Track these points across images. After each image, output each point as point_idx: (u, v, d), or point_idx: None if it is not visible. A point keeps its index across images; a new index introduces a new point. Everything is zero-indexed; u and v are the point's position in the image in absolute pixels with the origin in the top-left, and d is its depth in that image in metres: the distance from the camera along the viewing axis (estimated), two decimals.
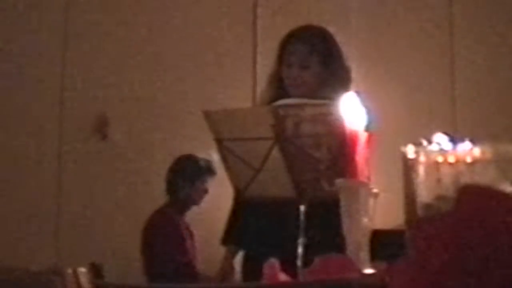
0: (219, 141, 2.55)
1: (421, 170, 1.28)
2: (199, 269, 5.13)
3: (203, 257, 5.13)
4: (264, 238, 3.05)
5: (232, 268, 3.57)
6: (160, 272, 5.03)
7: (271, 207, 2.88)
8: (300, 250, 2.35)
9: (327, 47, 3.13)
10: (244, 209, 3.18)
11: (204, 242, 5.07)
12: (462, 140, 1.28)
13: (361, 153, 1.79)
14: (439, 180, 1.27)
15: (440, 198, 1.26)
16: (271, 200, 2.70)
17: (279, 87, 3.14)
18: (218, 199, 4.43)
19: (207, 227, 4.79)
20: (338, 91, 2.55)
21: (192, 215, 5.34)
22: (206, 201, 5.30)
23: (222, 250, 3.53)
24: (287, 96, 3.08)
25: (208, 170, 5.18)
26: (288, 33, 3.19)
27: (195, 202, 5.29)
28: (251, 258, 3.13)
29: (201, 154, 5.14)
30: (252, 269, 2.77)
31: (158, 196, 5.42)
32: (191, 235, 5.26)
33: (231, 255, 3.50)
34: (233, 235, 3.35)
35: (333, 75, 3.07)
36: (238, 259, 3.41)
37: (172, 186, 5.31)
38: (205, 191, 5.24)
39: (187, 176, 5.25)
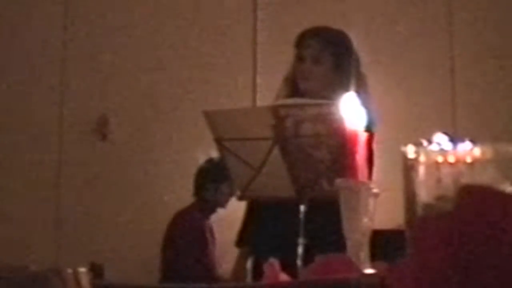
0: (219, 141, 2.55)
1: (421, 170, 1.28)
2: (219, 271, 5.13)
3: (223, 259, 5.09)
4: (266, 238, 3.04)
5: (245, 269, 3.54)
6: (179, 272, 5.03)
7: (271, 207, 2.88)
8: (300, 250, 2.35)
9: (342, 48, 3.09)
10: (251, 210, 3.18)
11: (224, 244, 5.02)
12: (462, 140, 1.28)
13: (361, 153, 1.79)
14: (439, 180, 1.27)
15: (440, 198, 1.26)
16: (271, 200, 2.70)
17: (293, 86, 3.11)
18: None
19: (228, 228, 4.75)
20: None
21: (213, 216, 5.33)
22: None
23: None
24: (300, 95, 3.05)
25: None
26: (304, 30, 3.16)
27: (221, 204, 5.26)
28: (257, 259, 3.13)
29: (201, 154, 5.13)
30: (257, 269, 2.77)
31: (158, 195, 5.42)
32: (213, 237, 5.26)
33: (245, 256, 3.48)
34: (245, 236, 3.34)
35: (344, 77, 3.01)
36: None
37: (198, 188, 5.30)
38: (231, 194, 5.09)
39: (213, 178, 5.21)
